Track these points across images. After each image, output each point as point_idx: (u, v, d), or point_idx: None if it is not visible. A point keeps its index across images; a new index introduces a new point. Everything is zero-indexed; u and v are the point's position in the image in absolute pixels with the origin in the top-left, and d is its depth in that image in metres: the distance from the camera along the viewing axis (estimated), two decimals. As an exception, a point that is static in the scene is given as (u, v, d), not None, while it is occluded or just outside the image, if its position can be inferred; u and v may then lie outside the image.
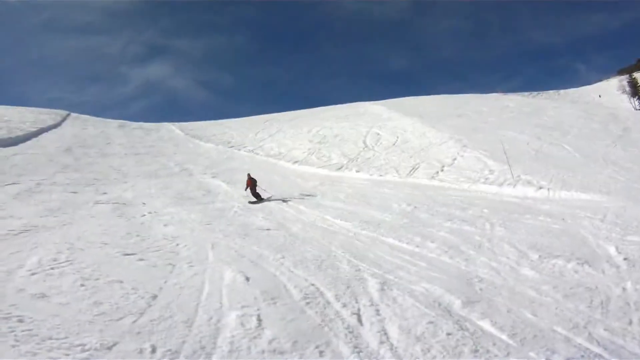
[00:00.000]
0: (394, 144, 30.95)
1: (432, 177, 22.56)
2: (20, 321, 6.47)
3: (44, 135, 38.31)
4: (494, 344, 6.28)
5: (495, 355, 5.94)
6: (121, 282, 8.81)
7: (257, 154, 35.88)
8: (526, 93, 52.19)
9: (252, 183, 21.06)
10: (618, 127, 33.88)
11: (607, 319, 6.96)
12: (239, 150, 38.13)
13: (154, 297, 8.11)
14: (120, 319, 7.02)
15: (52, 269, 9.17)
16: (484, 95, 51.10)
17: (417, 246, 11.97)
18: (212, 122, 58.89)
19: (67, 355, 5.71)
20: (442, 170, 23.29)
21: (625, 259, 9.64)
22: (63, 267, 9.36)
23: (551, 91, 54.73)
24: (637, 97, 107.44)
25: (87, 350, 5.89)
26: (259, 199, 20.27)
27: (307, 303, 8.06)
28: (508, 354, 5.99)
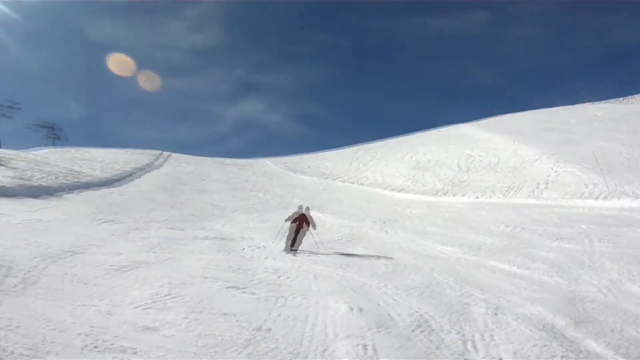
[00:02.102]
0: (487, 165, 30.51)
1: (528, 196, 22.16)
2: (123, 352, 6.43)
3: (139, 174, 38.58)
4: (601, 365, 6.20)
5: (606, 377, 5.88)
6: (225, 314, 8.65)
7: (353, 183, 35.97)
8: (613, 100, 50.21)
9: (302, 222, 17.01)
10: None
11: None
12: (335, 180, 38.21)
13: (259, 328, 7.98)
14: (226, 350, 6.93)
15: (154, 302, 9.04)
16: (572, 106, 49.68)
17: (519, 267, 11.85)
18: (307, 155, 58.88)
19: None
20: (537, 188, 22.84)
21: None
22: (165, 300, 9.23)
23: (638, 95, 52.33)
24: None
25: None
26: (291, 246, 16.24)
27: (413, 331, 7.98)
28: (616, 374, 5.92)
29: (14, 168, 26.34)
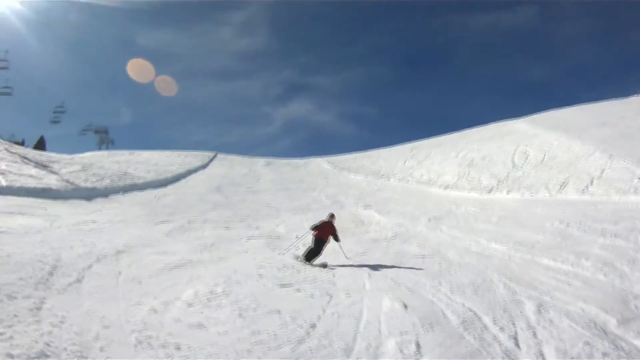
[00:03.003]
0: (541, 161, 30.02)
1: (582, 192, 21.83)
2: (178, 348, 6.55)
3: (193, 176, 38.79)
4: (650, 364, 6.24)
5: (650, 375, 5.92)
6: (279, 312, 8.75)
7: (408, 181, 35.78)
8: (667, 92, 48.81)
9: (326, 231, 14.92)
10: None
11: None
12: (389, 179, 37.97)
13: (313, 326, 8.08)
14: (279, 347, 7.03)
15: (208, 300, 9.13)
16: (625, 99, 48.51)
17: (572, 265, 11.83)
18: (360, 153, 58.34)
19: None
20: (591, 184, 22.48)
21: None
22: (220, 299, 9.29)
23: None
24: None
25: None
26: (311, 257, 14.30)
27: (465, 328, 8.09)
28: (663, 373, 5.94)
29: (68, 172, 26.99)
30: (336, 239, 15.01)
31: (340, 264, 13.88)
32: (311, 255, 14.28)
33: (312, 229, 14.97)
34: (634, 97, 48.88)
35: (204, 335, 7.29)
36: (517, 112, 53.65)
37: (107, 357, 6.02)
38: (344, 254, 14.99)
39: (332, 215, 15.83)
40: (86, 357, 5.89)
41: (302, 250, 14.87)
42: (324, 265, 13.60)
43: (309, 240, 15.00)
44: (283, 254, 14.88)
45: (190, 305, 8.76)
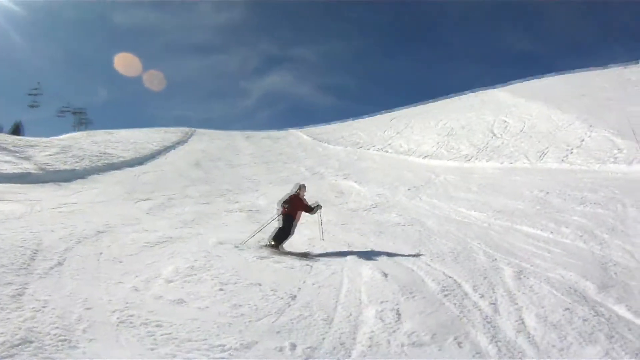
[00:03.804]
0: (521, 130, 30.17)
1: (562, 161, 22.00)
2: (159, 326, 6.53)
3: (172, 152, 38.78)
4: (629, 329, 6.28)
5: (631, 341, 5.94)
6: (259, 284, 8.77)
7: (387, 151, 35.78)
8: (645, 62, 48.91)
9: (296, 206, 12.77)
10: None
11: None
12: (369, 149, 37.97)
13: (293, 297, 8.13)
14: (260, 319, 7.04)
15: (189, 276, 9.11)
16: (605, 70, 48.68)
17: (551, 232, 11.92)
18: (339, 124, 58.20)
19: (207, 355, 5.77)
20: (571, 153, 22.63)
21: None
22: (200, 273, 9.27)
23: (673, 58, 50.98)
24: None
25: (227, 350, 5.92)
26: (281, 238, 12.25)
27: (445, 295, 8.12)
28: (644, 338, 5.98)
29: (47, 155, 26.62)
30: (311, 212, 12.89)
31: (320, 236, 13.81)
32: (281, 236, 12.17)
33: (282, 205, 12.77)
34: (615, 68, 49.06)
35: (185, 311, 7.28)
36: (499, 82, 53.52)
37: (90, 339, 5.95)
38: (321, 234, 13.31)
39: (300, 187, 13.18)
40: (69, 340, 5.83)
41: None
42: (305, 255, 11.48)
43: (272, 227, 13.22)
44: (241, 248, 11.86)
45: (171, 281, 8.76)
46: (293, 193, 13.01)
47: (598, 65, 51.13)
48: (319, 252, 11.80)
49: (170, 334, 6.32)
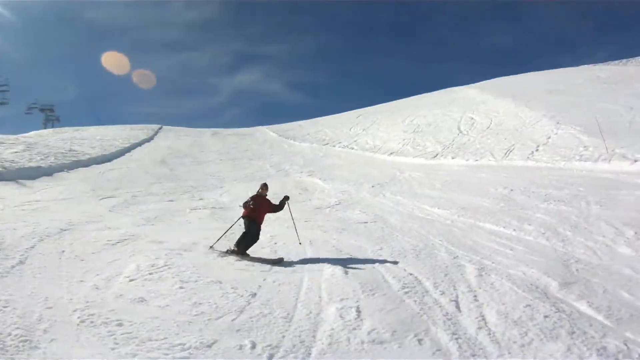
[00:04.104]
0: (488, 127, 30.36)
1: (527, 158, 22.10)
2: (120, 325, 6.51)
3: (138, 149, 38.92)
4: (591, 325, 6.23)
5: (592, 337, 5.88)
6: (220, 282, 8.82)
7: (353, 148, 35.94)
8: (616, 61, 49.81)
9: (261, 208, 11.83)
10: None
11: None
12: (334, 146, 38.13)
13: (253, 295, 8.16)
14: (220, 317, 7.04)
15: (150, 274, 9.17)
16: (574, 68, 49.33)
17: (515, 230, 11.91)
18: (306, 121, 58.68)
19: (167, 355, 5.75)
20: (536, 150, 22.77)
21: None
22: (161, 271, 9.35)
23: None
24: None
25: (187, 349, 5.92)
26: (243, 248, 11.27)
27: (406, 292, 8.10)
28: (604, 334, 5.92)
29: (12, 152, 26.37)
30: (279, 209, 12.09)
31: (282, 232, 13.77)
32: (247, 241, 11.29)
33: (245, 206, 11.76)
34: (585, 66, 49.66)
35: (146, 309, 7.29)
36: (473, 80, 54.14)
37: (51, 339, 5.96)
38: (297, 236, 12.17)
39: (263, 187, 12.25)
40: (30, 341, 5.82)
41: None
42: (279, 261, 10.58)
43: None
44: (206, 253, 11.34)
45: (132, 279, 8.81)
46: (256, 193, 12.14)
47: (571, 64, 51.92)
48: (282, 250, 11.73)
49: (130, 333, 6.33)
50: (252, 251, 11.34)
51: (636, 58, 52.36)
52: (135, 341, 6.05)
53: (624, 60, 51.26)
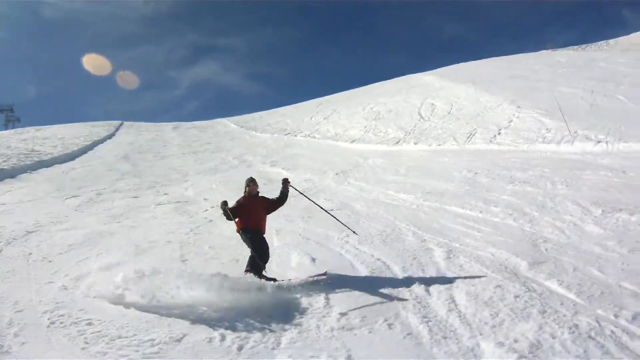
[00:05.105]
0: (449, 113, 30.55)
1: (490, 142, 22.26)
2: (89, 324, 6.54)
3: (100, 146, 38.63)
4: (562, 304, 6.26)
5: (564, 315, 5.92)
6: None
7: (314, 137, 35.84)
8: (575, 47, 50.62)
9: (260, 211, 9.26)
10: (674, 72, 32.57)
11: (675, 270, 6.84)
12: (296, 136, 37.99)
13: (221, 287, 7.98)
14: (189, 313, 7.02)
15: (117, 271, 8.99)
16: (535, 53, 49.94)
17: (481, 212, 11.96)
18: (267, 111, 58.73)
19: (137, 351, 5.77)
20: (499, 134, 22.94)
21: (692, 207, 9.44)
22: (129, 268, 9.12)
23: (600, 42, 52.95)
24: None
25: (157, 344, 5.93)
26: (258, 271, 8.45)
27: (375, 278, 8.20)
28: (576, 312, 5.96)
29: None
30: (279, 204, 9.75)
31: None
32: (258, 263, 8.54)
33: (232, 214, 8.97)
34: (545, 51, 50.25)
35: (114, 308, 7.25)
36: (429, 68, 54.22)
37: (22, 342, 6.06)
38: (347, 226, 10.45)
39: (250, 183, 9.45)
40: (1, 346, 5.90)
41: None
42: (323, 275, 8.46)
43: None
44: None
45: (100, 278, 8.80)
46: (243, 195, 9.44)
47: (529, 49, 52.48)
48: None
49: (100, 331, 6.40)
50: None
51: (596, 43, 53.23)
52: (105, 339, 6.11)
53: (584, 46, 52.05)
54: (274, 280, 8.30)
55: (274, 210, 9.63)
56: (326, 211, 10.25)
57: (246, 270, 8.58)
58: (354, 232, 10.35)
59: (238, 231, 9.07)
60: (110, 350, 5.79)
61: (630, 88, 27.37)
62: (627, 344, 5.11)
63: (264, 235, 9.08)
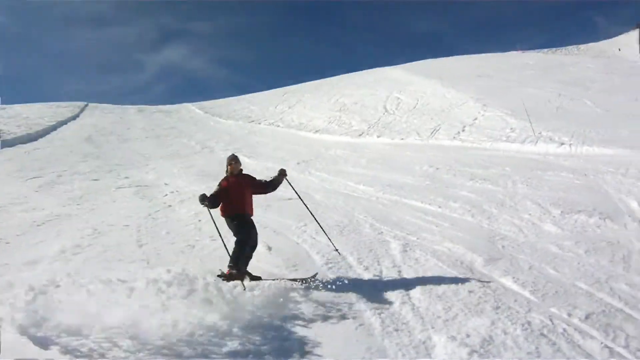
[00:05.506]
0: (414, 107, 30.77)
1: (454, 138, 22.38)
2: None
3: (64, 127, 38.60)
4: (516, 301, 6.24)
5: (517, 312, 5.89)
6: (142, 260, 8.96)
7: (278, 126, 35.86)
8: (545, 50, 51.36)
9: (245, 190, 8.20)
10: (640, 80, 33.10)
11: (629, 273, 6.89)
12: (260, 124, 38.08)
13: (178, 272, 7.83)
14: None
15: (74, 255, 9.30)
16: (504, 53, 50.52)
17: (440, 207, 11.96)
18: (232, 98, 58.71)
19: (88, 337, 5.54)
20: (463, 131, 23.08)
21: (647, 213, 9.52)
22: (86, 251, 9.49)
23: (571, 46, 53.85)
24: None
25: (108, 329, 5.68)
26: (243, 265, 7.66)
27: (330, 268, 8.13)
28: (529, 309, 5.94)
29: None
30: (269, 188, 8.83)
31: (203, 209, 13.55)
32: (247, 250, 7.85)
33: (213, 202, 7.84)
34: (514, 52, 50.79)
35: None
36: (400, 62, 54.49)
37: None
38: (328, 238, 9.05)
39: (232, 160, 8.48)
40: None
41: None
42: (313, 277, 7.55)
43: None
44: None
45: (56, 260, 9.00)
46: (225, 175, 8.40)
47: (499, 50, 53.03)
48: (206, 227, 11.34)
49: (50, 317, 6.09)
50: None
51: (566, 47, 53.98)
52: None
53: (554, 49, 52.74)
54: (259, 278, 7.62)
55: (260, 193, 8.68)
56: (313, 216, 9.50)
57: (229, 268, 7.55)
58: (335, 249, 8.80)
59: (223, 216, 8.08)
60: (62, 334, 5.53)
61: (597, 93, 27.82)
62: (579, 342, 5.10)
63: (252, 217, 8.14)
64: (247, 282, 7.29)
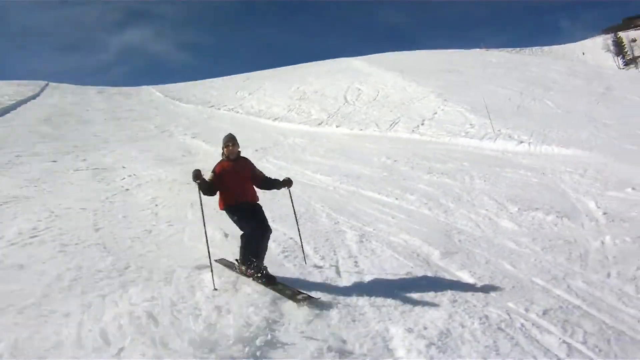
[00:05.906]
0: (374, 99, 30.89)
1: (413, 131, 22.46)
2: None
3: (24, 107, 38.26)
4: (473, 295, 6.21)
5: (474, 305, 5.86)
6: (99, 244, 8.86)
7: (238, 112, 35.73)
8: (510, 49, 52.27)
9: (241, 180, 7.34)
10: (601, 84, 33.46)
11: (586, 271, 6.89)
12: (219, 109, 37.95)
13: (135, 257, 8.09)
14: (99, 280, 7.01)
15: (31, 237, 9.22)
16: (467, 50, 51.14)
17: (397, 199, 11.95)
18: (193, 82, 58.90)
19: (46, 322, 5.58)
20: (422, 124, 23.18)
21: (604, 213, 9.56)
22: (42, 235, 9.38)
23: (535, 47, 55.00)
24: (621, 56, 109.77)
25: (67, 315, 5.77)
26: (259, 260, 6.78)
27: (286, 257, 8.10)
28: (487, 304, 5.91)
29: None
30: (269, 185, 7.93)
31: (164, 194, 13.64)
32: (260, 242, 6.97)
33: (208, 189, 7.27)
34: (477, 50, 51.34)
35: (25, 276, 7.30)
36: (362, 54, 54.88)
37: None
38: (302, 252, 8.02)
39: (228, 141, 7.53)
40: None
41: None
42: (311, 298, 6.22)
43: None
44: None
45: (13, 244, 8.91)
46: (221, 160, 7.55)
47: (463, 47, 53.62)
48: (163, 213, 11.56)
49: (9, 300, 6.29)
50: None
51: (530, 48, 54.89)
52: (16, 309, 6.01)
53: (518, 49, 53.60)
54: (274, 279, 6.65)
55: (259, 186, 7.70)
56: (298, 227, 8.80)
57: (240, 265, 7.05)
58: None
59: (222, 209, 7.37)
60: (20, 320, 5.71)
61: (558, 94, 28.23)
62: (537, 337, 5.08)
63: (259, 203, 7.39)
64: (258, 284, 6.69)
